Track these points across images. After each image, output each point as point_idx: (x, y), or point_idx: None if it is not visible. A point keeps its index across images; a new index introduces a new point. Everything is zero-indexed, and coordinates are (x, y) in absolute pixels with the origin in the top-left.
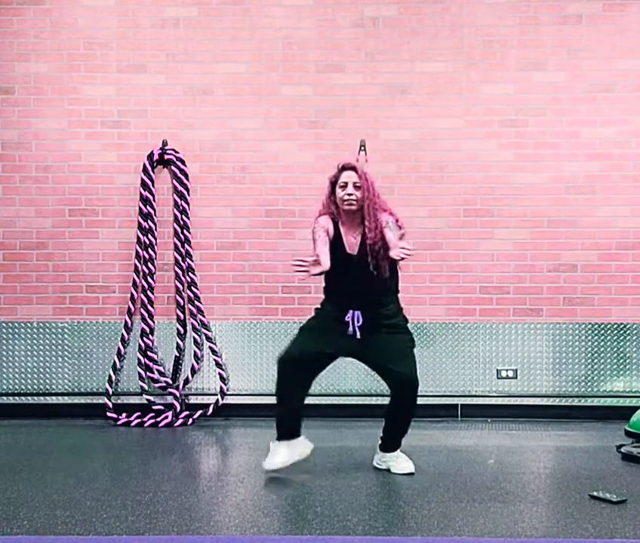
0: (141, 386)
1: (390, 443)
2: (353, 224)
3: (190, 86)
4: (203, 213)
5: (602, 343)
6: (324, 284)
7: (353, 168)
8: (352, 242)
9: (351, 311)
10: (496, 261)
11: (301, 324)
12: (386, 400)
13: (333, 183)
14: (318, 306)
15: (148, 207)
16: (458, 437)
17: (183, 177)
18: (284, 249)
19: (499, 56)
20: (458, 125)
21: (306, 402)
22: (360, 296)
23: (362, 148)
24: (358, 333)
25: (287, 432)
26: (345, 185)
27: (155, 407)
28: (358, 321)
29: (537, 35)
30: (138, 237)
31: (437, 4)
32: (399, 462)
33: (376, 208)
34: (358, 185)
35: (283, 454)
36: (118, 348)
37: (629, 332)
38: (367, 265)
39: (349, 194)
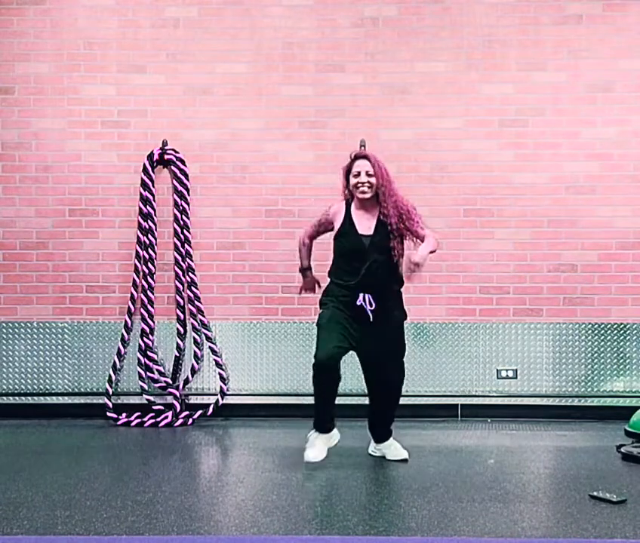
0: (141, 386)
1: (382, 434)
2: (368, 209)
3: (190, 86)
4: (203, 213)
5: (602, 343)
6: (331, 268)
7: (366, 156)
8: (365, 224)
9: (361, 295)
10: (496, 261)
11: (317, 321)
12: None
13: (347, 172)
14: (326, 296)
15: (148, 207)
16: (458, 437)
17: (183, 177)
18: (284, 249)
19: (499, 56)
20: (458, 125)
21: (306, 402)
22: (372, 280)
23: (362, 148)
24: (371, 316)
25: (326, 428)
26: (358, 174)
27: (155, 407)
28: (370, 305)
29: (537, 35)
30: (138, 237)
31: (437, 4)
32: (393, 450)
33: (392, 193)
34: (371, 173)
35: (321, 446)
36: (118, 348)
37: (629, 332)
38: (382, 247)
39: (362, 183)
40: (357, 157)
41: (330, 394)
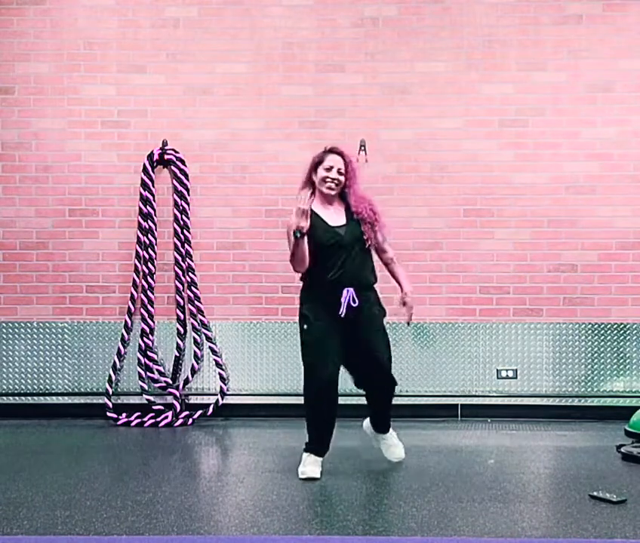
0: (141, 386)
1: (380, 424)
2: (333, 203)
3: (190, 86)
4: (203, 213)
5: (602, 343)
6: (304, 280)
7: (340, 153)
8: (334, 217)
9: (346, 291)
10: (496, 261)
11: (301, 337)
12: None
13: (317, 163)
14: (305, 304)
15: (148, 207)
16: (458, 437)
17: (183, 177)
18: (284, 249)
19: (499, 56)
20: (458, 125)
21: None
22: (349, 271)
23: (362, 148)
24: (344, 312)
25: (324, 451)
26: (330, 169)
27: (155, 407)
28: (354, 302)
29: (537, 35)
30: (138, 237)
31: (437, 4)
32: (391, 448)
33: (356, 190)
34: (342, 171)
35: (317, 466)
36: (118, 348)
37: (629, 332)
38: (356, 235)
39: (332, 178)
40: (331, 151)
41: (332, 415)
